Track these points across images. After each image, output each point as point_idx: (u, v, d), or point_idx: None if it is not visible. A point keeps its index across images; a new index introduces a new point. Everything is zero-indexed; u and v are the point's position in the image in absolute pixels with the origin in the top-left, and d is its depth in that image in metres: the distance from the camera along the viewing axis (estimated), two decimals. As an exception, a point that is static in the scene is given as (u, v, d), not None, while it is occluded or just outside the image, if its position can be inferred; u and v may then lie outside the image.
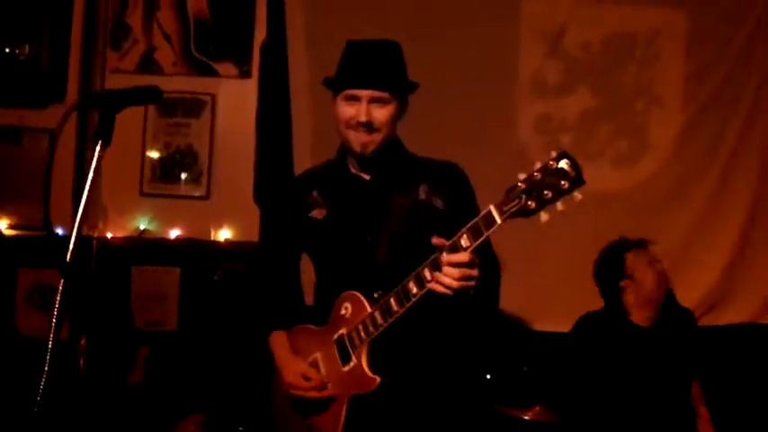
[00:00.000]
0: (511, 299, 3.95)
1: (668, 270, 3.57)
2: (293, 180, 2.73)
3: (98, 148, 1.58)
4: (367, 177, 2.45)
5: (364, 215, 2.42)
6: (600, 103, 4.06)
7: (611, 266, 3.48)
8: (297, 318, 2.56)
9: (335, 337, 2.37)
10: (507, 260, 3.93)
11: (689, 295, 3.86)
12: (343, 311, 2.36)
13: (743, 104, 4.03)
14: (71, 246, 1.55)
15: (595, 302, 3.60)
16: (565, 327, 3.79)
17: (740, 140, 4.04)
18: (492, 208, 2.02)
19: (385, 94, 2.35)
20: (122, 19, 4.15)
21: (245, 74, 4.14)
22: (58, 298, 1.50)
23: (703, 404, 3.39)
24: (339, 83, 2.39)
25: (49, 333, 1.50)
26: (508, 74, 4.04)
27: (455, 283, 2.08)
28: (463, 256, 2.08)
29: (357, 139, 2.37)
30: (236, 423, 3.79)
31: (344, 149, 2.49)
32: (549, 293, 3.99)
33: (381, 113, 2.35)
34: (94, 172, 1.59)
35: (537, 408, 3.29)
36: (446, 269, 2.09)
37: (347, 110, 2.37)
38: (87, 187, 1.56)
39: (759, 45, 4.03)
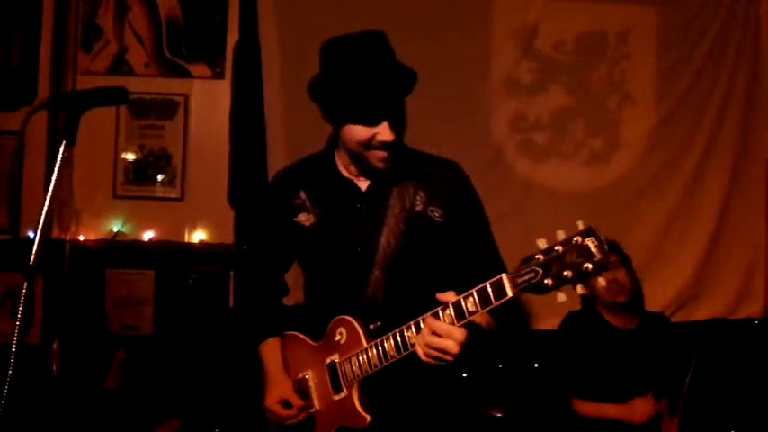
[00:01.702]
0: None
1: (641, 267, 3.61)
2: (276, 178, 2.51)
3: (62, 148, 1.57)
4: (362, 186, 2.30)
5: (356, 225, 2.28)
6: (573, 101, 4.09)
7: None
8: (284, 323, 2.47)
9: (328, 361, 2.27)
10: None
11: (662, 292, 3.92)
12: (338, 337, 2.25)
13: (714, 101, 4.07)
14: (35, 248, 1.53)
15: (571, 300, 3.61)
16: (540, 324, 3.82)
17: (712, 138, 4.07)
18: (504, 278, 1.89)
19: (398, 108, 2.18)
20: (93, 20, 4.11)
21: (219, 75, 4.13)
22: (22, 300, 1.48)
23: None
24: (355, 117, 2.14)
25: (13, 335, 1.48)
26: (482, 73, 4.05)
27: (423, 356, 2.00)
28: (445, 331, 1.95)
29: (378, 157, 2.18)
30: (213, 426, 3.78)
31: (333, 145, 2.32)
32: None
33: (400, 126, 2.18)
34: (59, 172, 1.57)
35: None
36: (426, 338, 1.98)
37: (364, 131, 2.15)
38: (52, 188, 1.54)
39: (730, 41, 4.07)
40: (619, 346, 3.41)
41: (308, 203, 2.33)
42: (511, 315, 2.16)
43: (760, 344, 4.03)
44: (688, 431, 3.30)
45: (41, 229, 1.55)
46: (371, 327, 2.19)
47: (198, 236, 4.11)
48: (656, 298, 3.83)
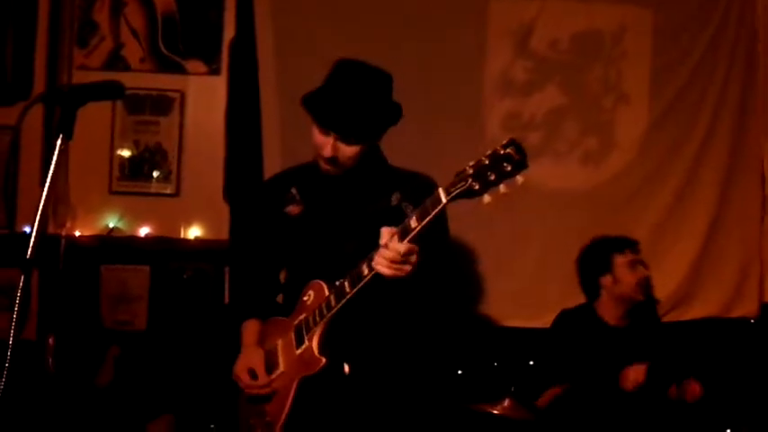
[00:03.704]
0: (482, 295, 4.02)
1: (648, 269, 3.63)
2: (272, 177, 2.81)
3: (59, 142, 1.57)
4: (346, 182, 2.51)
5: (337, 214, 2.51)
6: (568, 101, 4.08)
7: (595, 260, 3.52)
8: (271, 311, 2.63)
9: (296, 322, 2.46)
10: (479, 258, 4.00)
11: (657, 291, 3.90)
12: (305, 298, 2.46)
13: (709, 100, 4.08)
14: (31, 241, 1.53)
15: (565, 298, 3.63)
16: (535, 323, 3.82)
17: (707, 137, 4.08)
18: (440, 189, 2.09)
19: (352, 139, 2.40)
20: (89, 15, 4.10)
21: (214, 71, 4.12)
22: (19, 294, 1.48)
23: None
24: (313, 112, 2.43)
25: (10, 329, 1.47)
26: (476, 72, 4.04)
27: (388, 270, 2.17)
28: (401, 247, 2.16)
29: (322, 164, 2.46)
30: (207, 422, 3.78)
31: None
32: (519, 290, 4.01)
33: (348, 150, 2.41)
34: (56, 166, 1.57)
35: (507, 402, 3.31)
36: (382, 251, 2.18)
37: (318, 137, 2.42)
38: (48, 181, 1.54)
39: (725, 42, 4.07)
40: (611, 344, 3.42)
41: (297, 197, 2.57)
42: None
43: (754, 343, 4.04)
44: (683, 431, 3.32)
45: (38, 222, 1.55)
46: (337, 283, 2.35)
47: (193, 232, 4.11)
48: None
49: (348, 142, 2.40)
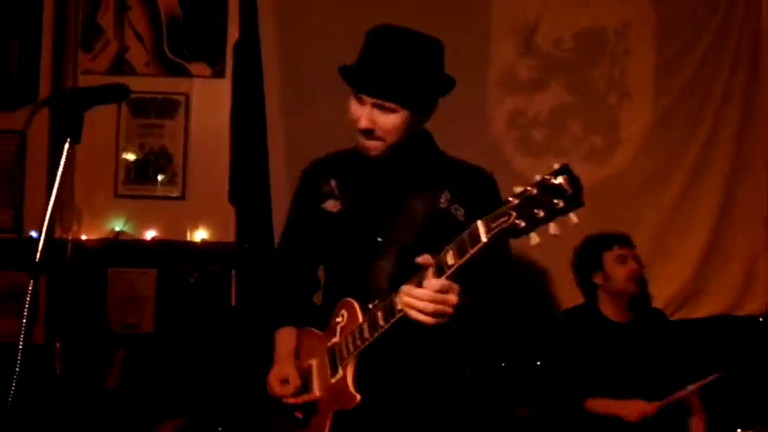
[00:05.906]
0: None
1: (642, 263, 3.61)
2: (311, 166, 2.51)
3: (66, 146, 1.57)
4: (389, 174, 2.31)
5: (379, 215, 2.30)
6: (572, 98, 4.07)
7: (586, 259, 3.55)
8: (306, 316, 2.48)
9: (329, 345, 2.29)
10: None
11: (663, 289, 3.90)
12: (339, 319, 2.28)
13: (714, 97, 4.05)
14: (40, 245, 1.54)
15: (569, 296, 3.63)
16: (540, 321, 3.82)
17: (712, 133, 4.06)
18: (479, 224, 1.84)
19: (389, 104, 2.18)
20: (94, 19, 4.11)
21: (219, 73, 4.12)
22: (28, 298, 1.48)
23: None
24: (349, 77, 2.24)
25: (20, 334, 1.48)
26: (480, 70, 4.03)
27: (420, 316, 1.97)
28: (435, 284, 1.94)
29: (361, 141, 2.24)
30: (216, 425, 3.78)
31: None
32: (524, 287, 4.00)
33: (386, 120, 2.19)
34: (63, 170, 1.57)
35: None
36: (413, 290, 1.98)
37: (355, 109, 2.22)
38: (56, 185, 1.55)
39: (730, 35, 4.05)
40: (615, 340, 3.41)
41: (336, 191, 2.37)
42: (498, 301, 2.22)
43: (763, 341, 4.02)
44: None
45: (46, 226, 1.55)
46: (370, 306, 2.18)
47: (199, 234, 4.11)
48: (658, 295, 3.82)
49: (385, 110, 2.18)
